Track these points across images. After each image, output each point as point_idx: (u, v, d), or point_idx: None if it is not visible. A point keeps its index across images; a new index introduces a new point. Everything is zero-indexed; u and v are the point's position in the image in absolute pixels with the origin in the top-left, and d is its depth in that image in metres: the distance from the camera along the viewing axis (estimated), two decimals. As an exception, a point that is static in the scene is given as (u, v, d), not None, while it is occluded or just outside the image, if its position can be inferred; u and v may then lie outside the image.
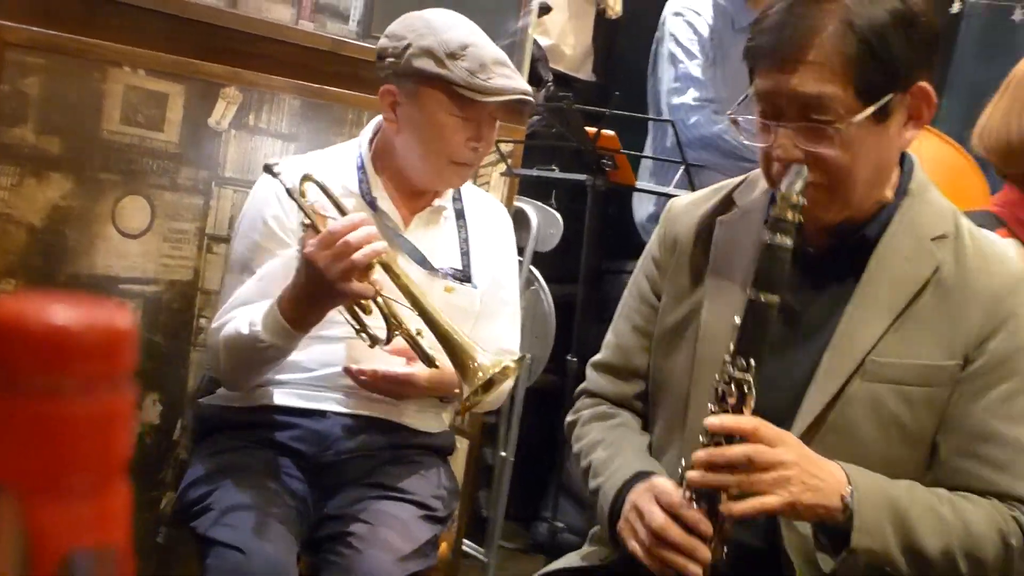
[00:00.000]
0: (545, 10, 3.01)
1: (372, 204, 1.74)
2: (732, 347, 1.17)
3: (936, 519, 1.18)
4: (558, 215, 2.55)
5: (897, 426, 1.23)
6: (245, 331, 1.60)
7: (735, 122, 1.33)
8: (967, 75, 2.78)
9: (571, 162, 2.68)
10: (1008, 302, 1.23)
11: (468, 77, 1.66)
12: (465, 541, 2.63)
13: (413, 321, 1.58)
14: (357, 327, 1.59)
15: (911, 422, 1.23)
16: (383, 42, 1.74)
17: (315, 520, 1.69)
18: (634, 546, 1.22)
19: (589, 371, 1.53)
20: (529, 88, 1.75)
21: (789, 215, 1.14)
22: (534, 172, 2.48)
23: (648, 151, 2.88)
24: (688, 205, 1.45)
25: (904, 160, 1.32)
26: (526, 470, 2.64)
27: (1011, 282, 1.25)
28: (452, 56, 1.66)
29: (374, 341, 1.59)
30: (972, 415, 1.23)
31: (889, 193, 1.28)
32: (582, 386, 1.53)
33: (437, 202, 1.81)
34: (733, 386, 1.15)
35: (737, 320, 1.17)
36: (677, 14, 2.83)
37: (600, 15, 3.28)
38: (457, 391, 1.58)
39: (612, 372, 1.47)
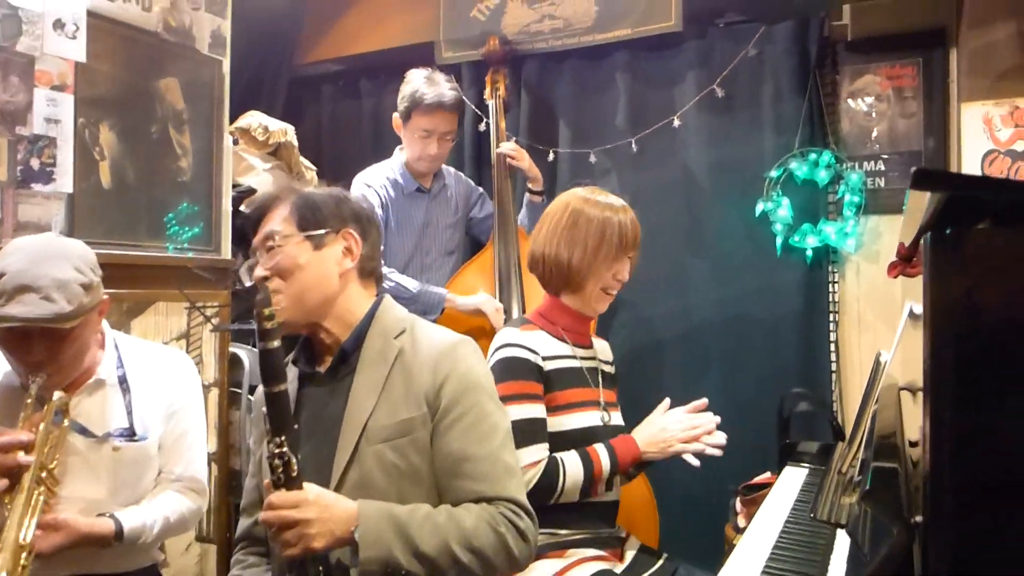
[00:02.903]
0: (251, 193, 3.09)
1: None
2: (269, 434, 1.25)
3: (432, 525, 1.29)
4: (265, 354, 2.60)
5: (398, 471, 1.36)
6: None
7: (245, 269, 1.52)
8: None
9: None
10: (448, 360, 1.40)
11: None
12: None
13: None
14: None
15: (406, 465, 1.36)
16: None
17: None
18: None
19: None
20: (42, 313, 1.56)
21: (267, 324, 1.25)
22: (234, 326, 2.53)
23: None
24: None
25: (380, 296, 1.53)
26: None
27: (448, 346, 1.43)
28: None
29: None
30: (449, 445, 1.36)
31: (355, 320, 1.47)
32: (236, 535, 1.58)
33: (95, 376, 1.77)
34: (277, 460, 1.24)
35: (264, 411, 1.26)
36: (359, 189, 2.87)
37: (302, 188, 3.40)
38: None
39: (245, 512, 1.56)
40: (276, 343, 1.25)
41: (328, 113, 3.62)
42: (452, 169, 3.01)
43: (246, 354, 2.58)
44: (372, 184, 2.86)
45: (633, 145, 2.95)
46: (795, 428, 2.47)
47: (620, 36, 2.94)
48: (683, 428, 1.79)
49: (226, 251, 2.60)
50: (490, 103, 2.99)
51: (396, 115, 2.80)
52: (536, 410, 1.71)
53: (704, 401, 1.88)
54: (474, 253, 2.94)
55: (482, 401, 1.40)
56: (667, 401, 1.90)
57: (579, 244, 1.79)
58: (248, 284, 1.47)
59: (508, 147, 2.86)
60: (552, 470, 1.69)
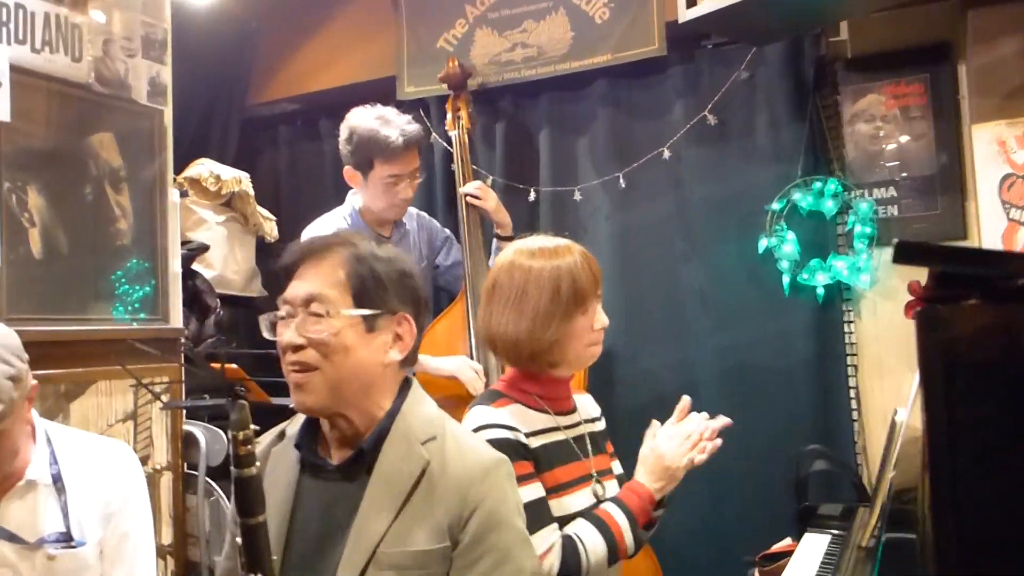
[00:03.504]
0: (204, 249, 3.08)
1: None
2: (243, 569, 1.19)
3: None
4: (222, 432, 2.54)
5: None
6: None
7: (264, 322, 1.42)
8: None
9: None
10: (479, 488, 1.30)
11: None
12: None
13: None
14: None
15: None
16: None
17: None
18: None
19: None
20: None
21: (242, 451, 1.18)
22: (187, 403, 2.48)
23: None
24: (264, 439, 1.47)
25: (406, 381, 1.42)
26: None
27: (480, 471, 1.32)
28: None
29: None
30: None
31: (380, 413, 1.37)
32: None
33: (27, 477, 1.69)
34: None
35: (239, 540, 1.19)
36: None
37: (261, 239, 3.30)
38: None
39: None
40: (253, 470, 1.18)
41: (286, 157, 3.55)
42: (414, 210, 2.85)
43: (201, 432, 2.51)
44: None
45: (621, 180, 2.90)
46: (814, 489, 2.41)
47: (599, 63, 2.89)
48: (679, 445, 1.74)
49: (175, 319, 2.55)
50: (453, 134, 2.87)
51: (348, 167, 2.60)
52: (534, 490, 1.62)
53: (686, 399, 1.80)
54: (444, 306, 2.83)
55: (508, 541, 1.31)
56: (654, 424, 1.80)
57: (528, 316, 1.65)
58: (269, 337, 1.40)
59: (472, 187, 2.75)
60: (571, 551, 1.58)
